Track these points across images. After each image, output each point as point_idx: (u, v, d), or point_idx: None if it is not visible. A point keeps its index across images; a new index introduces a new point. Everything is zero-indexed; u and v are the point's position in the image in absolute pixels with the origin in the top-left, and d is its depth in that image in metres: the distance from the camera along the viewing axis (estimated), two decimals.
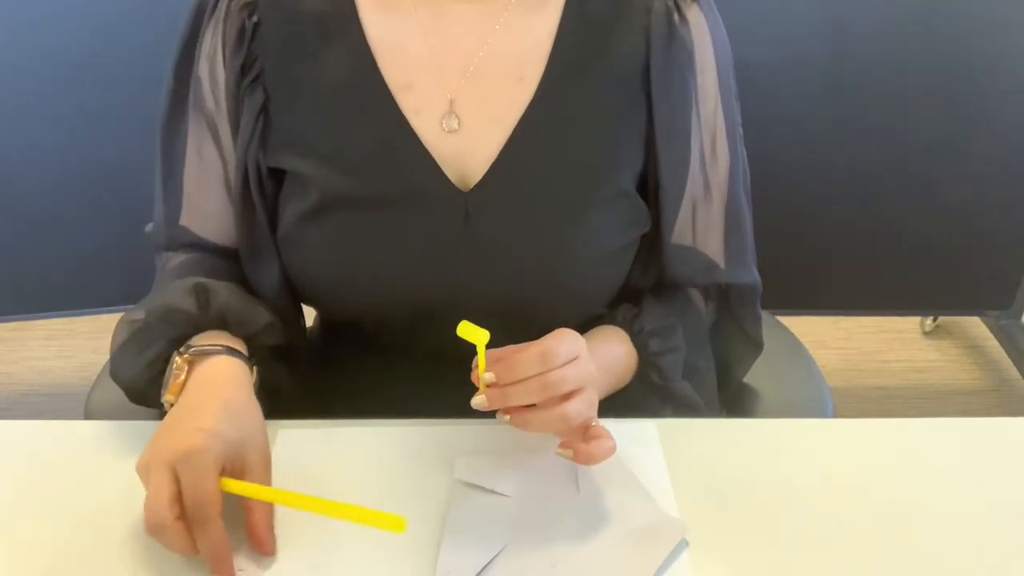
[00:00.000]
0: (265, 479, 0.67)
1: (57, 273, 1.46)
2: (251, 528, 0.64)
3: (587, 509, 0.69)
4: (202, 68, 0.80)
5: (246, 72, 0.78)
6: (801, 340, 1.12)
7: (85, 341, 2.08)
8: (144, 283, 0.86)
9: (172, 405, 0.70)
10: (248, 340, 0.76)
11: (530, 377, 0.65)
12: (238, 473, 0.65)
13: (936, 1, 1.35)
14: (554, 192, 0.78)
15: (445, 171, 0.77)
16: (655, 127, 0.79)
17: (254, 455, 0.66)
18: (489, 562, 0.64)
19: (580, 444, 0.67)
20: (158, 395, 0.72)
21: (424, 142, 0.77)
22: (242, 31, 0.78)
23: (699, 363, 0.87)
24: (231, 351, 0.72)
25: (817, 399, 1.03)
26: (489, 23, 0.78)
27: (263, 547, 0.64)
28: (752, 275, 0.89)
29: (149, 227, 0.87)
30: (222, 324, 0.75)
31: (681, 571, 0.64)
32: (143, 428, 0.76)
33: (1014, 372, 1.96)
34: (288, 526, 0.67)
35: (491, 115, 0.78)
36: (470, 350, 0.67)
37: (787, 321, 1.16)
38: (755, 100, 1.52)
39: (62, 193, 1.39)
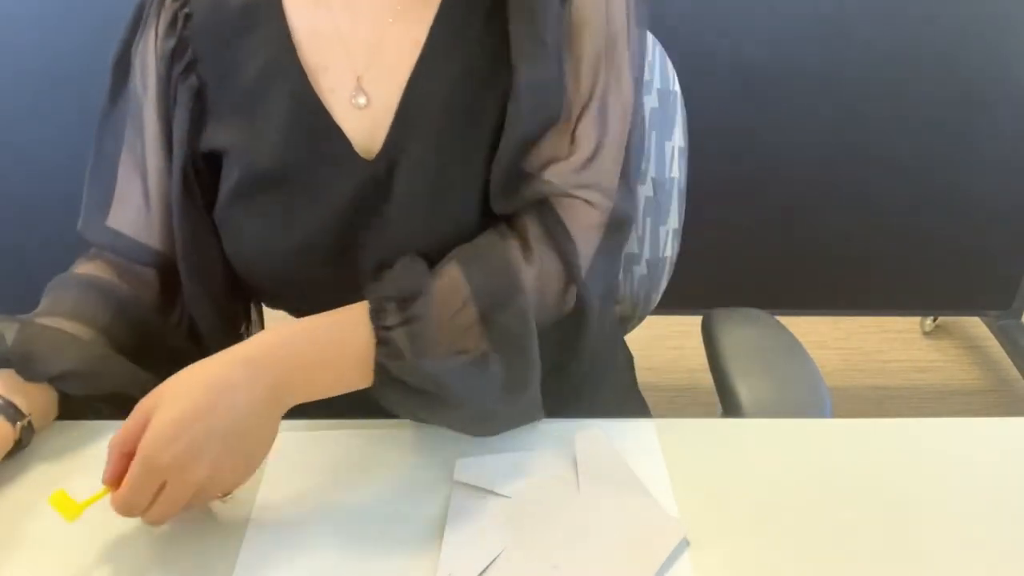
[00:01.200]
0: None
1: (56, 273, 1.46)
2: None
3: (587, 509, 0.69)
4: (136, 61, 0.84)
5: (177, 58, 0.81)
6: (801, 340, 1.11)
7: None
8: None
9: None
10: (53, 380, 0.76)
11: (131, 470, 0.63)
12: None
13: (936, 2, 1.35)
14: (444, 149, 0.79)
15: (356, 145, 0.80)
16: (511, 47, 0.77)
17: None
18: (490, 563, 0.64)
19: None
20: None
21: (337, 120, 0.80)
22: (174, 19, 0.82)
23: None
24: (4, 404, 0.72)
25: (816, 399, 1.02)
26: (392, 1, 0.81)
27: None
28: (633, 201, 0.83)
29: (80, 225, 0.88)
30: (6, 365, 0.75)
31: (681, 571, 0.64)
32: None
33: (1014, 372, 1.96)
34: (289, 526, 0.68)
35: (395, 87, 0.80)
36: None
37: (787, 321, 1.15)
38: (755, 100, 1.52)
39: (62, 193, 1.39)
